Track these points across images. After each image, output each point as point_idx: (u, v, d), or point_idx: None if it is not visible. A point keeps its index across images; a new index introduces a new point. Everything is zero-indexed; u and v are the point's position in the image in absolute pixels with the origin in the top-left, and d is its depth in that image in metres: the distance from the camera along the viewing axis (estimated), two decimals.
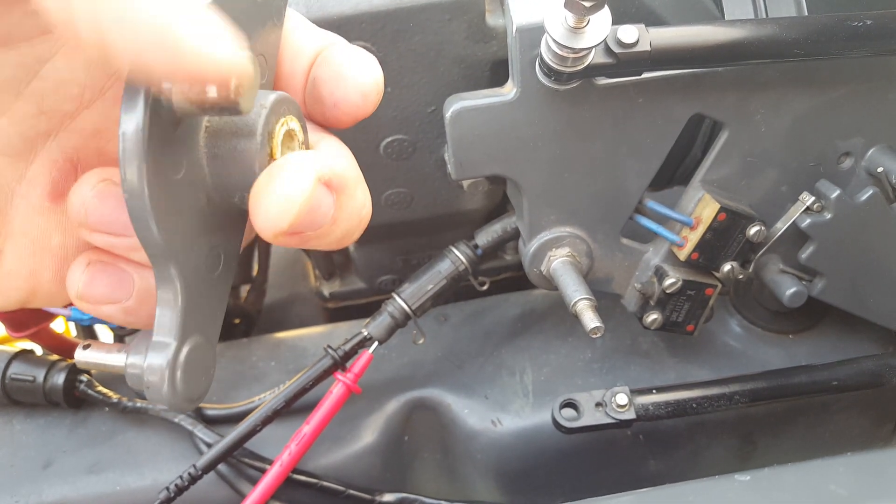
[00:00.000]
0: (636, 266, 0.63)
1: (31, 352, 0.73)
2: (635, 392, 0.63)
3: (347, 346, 0.65)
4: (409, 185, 0.69)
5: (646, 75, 0.53)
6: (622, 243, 0.62)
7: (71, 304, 0.32)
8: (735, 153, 0.59)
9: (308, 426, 0.62)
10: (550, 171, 0.57)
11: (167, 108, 0.26)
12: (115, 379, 0.73)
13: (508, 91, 0.53)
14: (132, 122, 0.25)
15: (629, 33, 0.49)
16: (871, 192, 0.58)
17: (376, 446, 0.70)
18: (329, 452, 0.69)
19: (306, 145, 0.32)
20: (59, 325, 0.90)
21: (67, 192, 0.30)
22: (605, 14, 0.46)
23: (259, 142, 0.28)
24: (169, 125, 0.26)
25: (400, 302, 0.65)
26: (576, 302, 0.55)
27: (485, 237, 0.67)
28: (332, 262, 0.87)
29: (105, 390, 0.70)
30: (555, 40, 0.46)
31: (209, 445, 0.65)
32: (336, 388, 0.63)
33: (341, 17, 0.56)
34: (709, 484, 0.48)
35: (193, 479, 0.62)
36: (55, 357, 0.72)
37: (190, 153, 0.28)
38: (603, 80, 0.53)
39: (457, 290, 0.69)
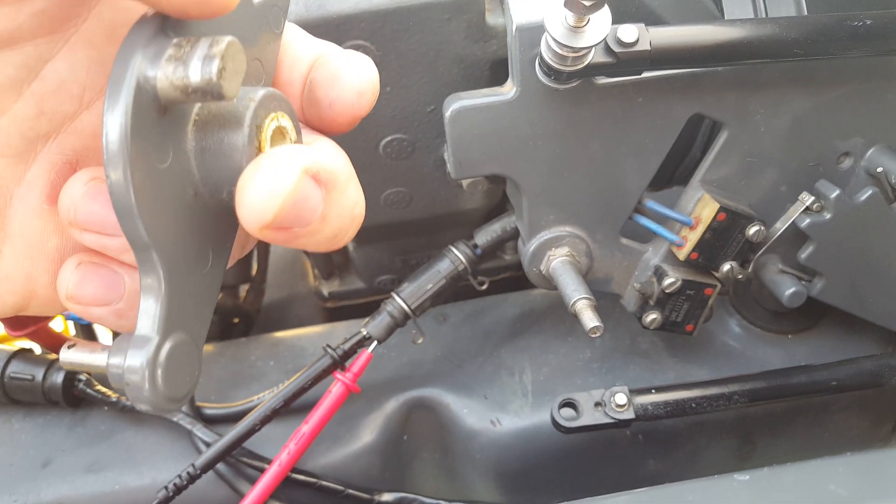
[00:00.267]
0: (635, 266, 0.63)
1: (30, 351, 0.73)
2: (634, 392, 0.63)
3: (346, 346, 0.65)
4: (409, 184, 0.69)
5: (645, 75, 0.53)
6: (621, 243, 0.62)
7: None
8: (734, 153, 0.59)
9: (307, 425, 0.62)
10: (550, 171, 0.57)
11: (152, 95, 0.26)
12: None
13: (508, 90, 0.53)
14: (117, 105, 0.25)
15: (629, 32, 0.49)
16: (870, 192, 0.58)
17: (375, 446, 0.70)
18: (328, 452, 0.69)
19: (298, 143, 0.32)
20: (57, 324, 0.90)
21: None
22: (604, 13, 0.46)
23: (246, 134, 0.28)
24: (154, 111, 0.26)
25: (399, 301, 0.65)
26: (575, 301, 0.55)
27: (484, 237, 0.67)
28: (331, 262, 0.87)
29: (104, 389, 0.70)
30: (555, 39, 0.46)
31: (208, 445, 0.65)
32: (335, 388, 0.63)
33: (341, 16, 0.56)
34: (708, 483, 0.48)
35: (192, 479, 0.62)
36: (54, 356, 0.72)
37: (177, 144, 0.28)
38: (603, 80, 0.53)
39: (456, 290, 0.69)
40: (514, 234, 0.67)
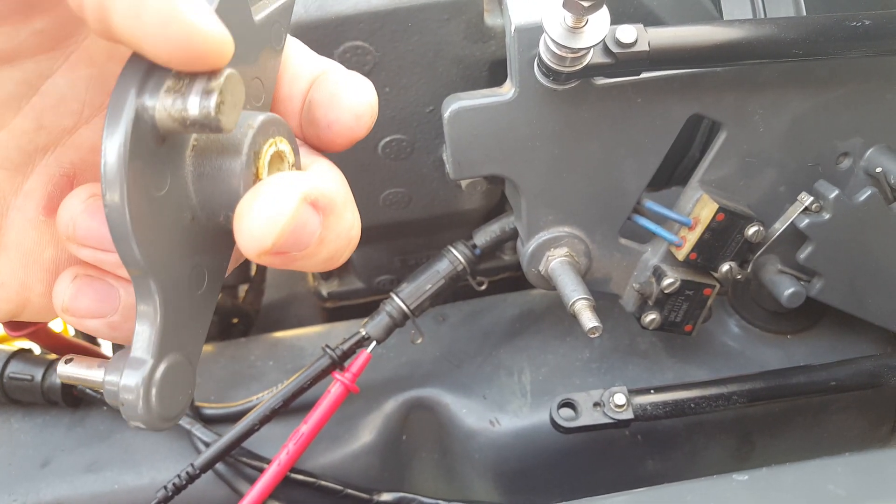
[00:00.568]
0: (634, 266, 0.64)
1: (30, 351, 0.73)
2: (633, 392, 0.63)
3: (346, 346, 0.65)
4: (408, 184, 0.69)
5: (644, 75, 0.53)
6: (620, 243, 0.62)
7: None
8: (733, 153, 0.59)
9: (306, 425, 0.62)
10: (549, 171, 0.57)
11: (150, 125, 0.26)
12: None
13: (507, 91, 0.53)
14: (115, 136, 0.25)
15: (628, 33, 0.49)
16: (869, 192, 0.58)
17: (374, 446, 0.70)
18: (327, 452, 0.69)
19: (297, 167, 0.32)
20: (57, 325, 0.90)
21: None
22: (603, 14, 0.46)
23: (244, 161, 0.28)
24: (153, 141, 0.26)
25: (398, 302, 0.65)
26: (574, 302, 0.55)
27: (483, 237, 0.67)
28: None
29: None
30: (553, 40, 0.46)
31: (207, 444, 0.65)
32: (334, 388, 0.63)
33: (339, 17, 0.56)
34: (707, 484, 0.48)
35: (191, 478, 0.62)
36: (53, 356, 0.72)
37: (175, 170, 0.28)
38: (601, 80, 0.53)
39: (455, 290, 0.69)
40: (513, 235, 0.67)
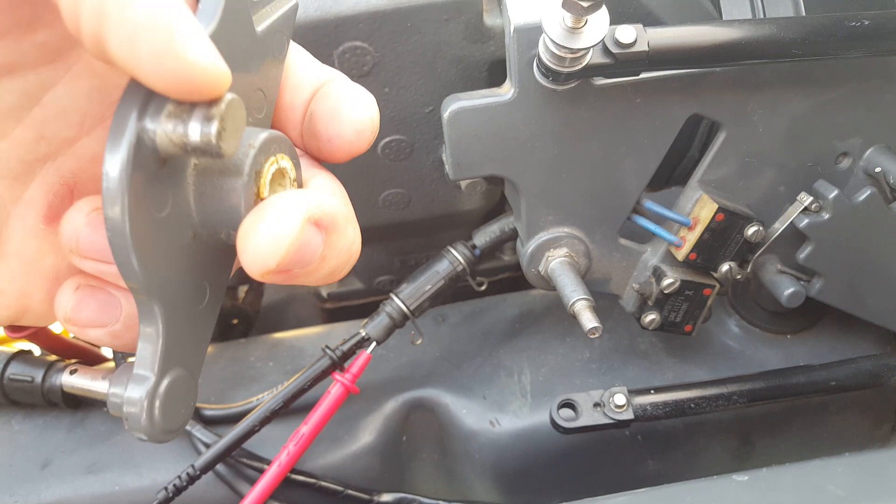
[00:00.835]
0: (634, 266, 0.64)
1: (30, 352, 0.73)
2: (633, 392, 0.63)
3: (345, 347, 0.65)
4: (407, 185, 0.69)
5: (644, 75, 0.53)
6: (620, 244, 0.62)
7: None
8: (733, 153, 0.59)
9: (306, 426, 0.62)
10: (548, 172, 0.57)
11: (152, 149, 0.26)
12: None
13: (506, 91, 0.53)
14: (116, 160, 0.25)
15: (627, 33, 0.49)
16: (868, 192, 0.58)
17: (374, 446, 0.70)
18: (327, 452, 0.69)
19: (299, 182, 0.32)
20: (57, 326, 0.90)
21: (62, 216, 0.31)
22: (602, 14, 0.46)
23: (245, 181, 0.28)
24: (154, 164, 0.26)
25: (398, 302, 0.65)
26: (574, 302, 0.55)
27: (483, 237, 0.67)
28: None
29: None
30: (552, 40, 0.46)
31: (207, 446, 0.65)
32: (334, 389, 0.63)
33: (339, 18, 0.56)
34: (707, 484, 0.48)
35: (192, 480, 0.62)
36: (53, 357, 0.72)
37: (177, 190, 0.28)
38: (601, 81, 0.53)
39: (455, 291, 0.69)
40: (513, 235, 0.67)
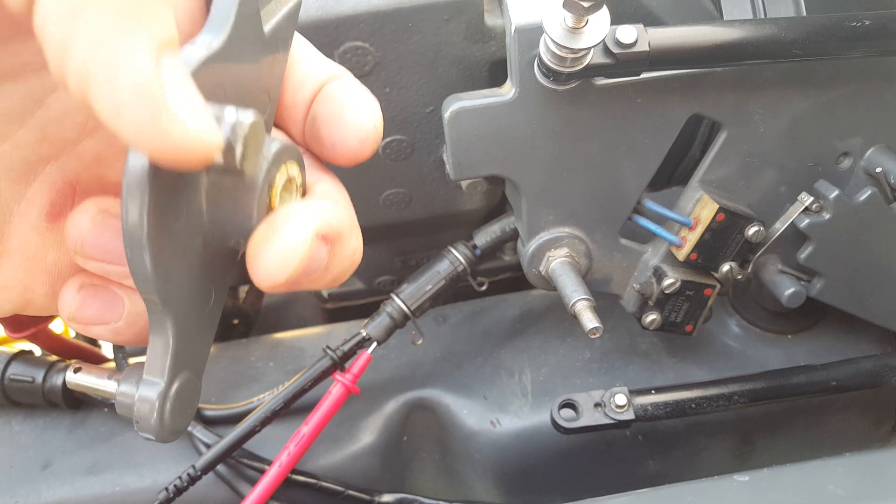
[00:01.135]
0: (635, 266, 0.64)
1: (30, 352, 0.73)
2: (634, 392, 0.63)
3: (346, 347, 0.65)
4: (408, 185, 0.69)
5: (644, 75, 0.53)
6: (621, 244, 0.62)
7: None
8: (734, 153, 0.59)
9: (307, 427, 0.62)
10: (549, 172, 0.57)
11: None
12: None
13: (507, 91, 0.53)
14: (136, 181, 0.25)
15: (628, 33, 0.49)
16: (869, 192, 0.58)
17: (375, 447, 0.70)
18: (328, 453, 0.69)
19: (303, 188, 0.32)
20: (57, 326, 0.90)
21: (65, 213, 0.31)
22: (603, 14, 0.46)
23: (259, 194, 0.29)
24: (173, 177, 0.26)
25: (399, 302, 0.65)
26: (574, 302, 0.55)
27: (483, 238, 0.67)
28: None
29: None
30: (553, 40, 0.46)
31: (208, 446, 0.65)
32: (335, 389, 0.63)
33: (339, 18, 0.56)
34: (707, 484, 0.48)
35: (192, 480, 0.62)
36: (54, 358, 0.72)
37: (190, 201, 0.28)
38: (601, 81, 0.53)
39: (455, 291, 0.69)
40: (514, 235, 0.67)
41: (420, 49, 0.59)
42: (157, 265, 0.26)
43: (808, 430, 0.72)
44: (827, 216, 0.59)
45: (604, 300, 0.64)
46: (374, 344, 0.65)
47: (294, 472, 0.65)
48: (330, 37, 0.56)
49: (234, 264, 0.33)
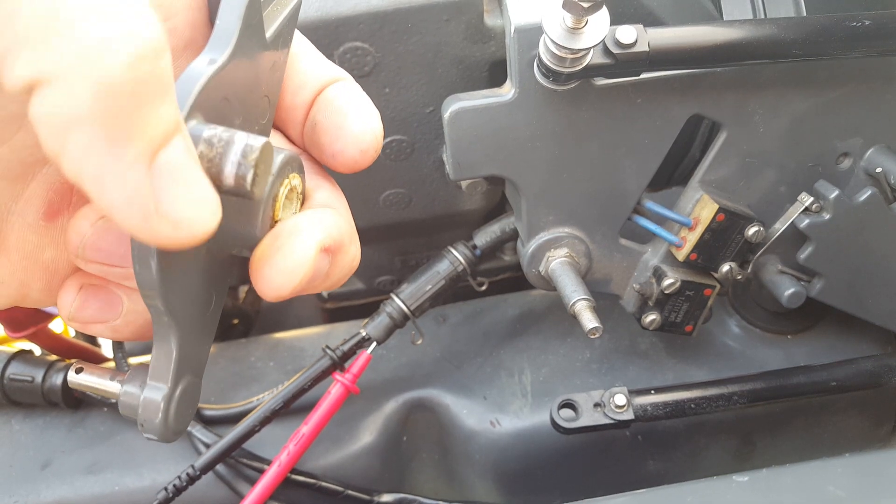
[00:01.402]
0: (635, 267, 0.63)
1: (30, 352, 0.73)
2: (634, 392, 0.63)
3: (346, 347, 0.65)
4: (408, 185, 0.69)
5: (644, 76, 0.53)
6: (621, 244, 0.62)
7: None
8: (733, 154, 0.59)
9: (306, 426, 0.62)
10: (549, 172, 0.57)
11: None
12: None
13: (507, 91, 0.53)
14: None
15: (627, 34, 0.49)
16: (869, 192, 0.58)
17: (375, 446, 0.70)
18: (327, 453, 0.69)
19: (303, 194, 0.32)
20: (57, 326, 0.90)
21: (62, 212, 0.31)
22: (603, 14, 0.46)
23: (263, 207, 0.29)
24: None
25: (398, 302, 0.65)
26: (574, 302, 0.55)
27: (483, 238, 0.67)
28: None
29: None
30: (553, 41, 0.46)
31: (207, 446, 0.65)
32: (334, 389, 0.63)
33: (339, 18, 0.56)
34: (707, 485, 0.48)
35: (192, 480, 0.62)
36: (54, 357, 0.72)
37: None
38: (601, 81, 0.53)
39: (455, 291, 0.69)
40: (514, 235, 0.67)
41: (420, 49, 0.59)
42: (163, 277, 0.27)
43: (807, 430, 0.72)
44: (827, 216, 0.59)
45: (604, 300, 0.64)
46: (374, 344, 0.65)
47: (293, 471, 0.65)
48: (330, 37, 0.56)
49: (234, 268, 0.33)
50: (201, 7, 0.30)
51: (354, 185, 0.66)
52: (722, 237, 0.59)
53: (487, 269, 0.85)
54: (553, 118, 0.54)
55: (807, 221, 0.59)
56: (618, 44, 0.49)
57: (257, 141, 0.26)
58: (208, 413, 0.69)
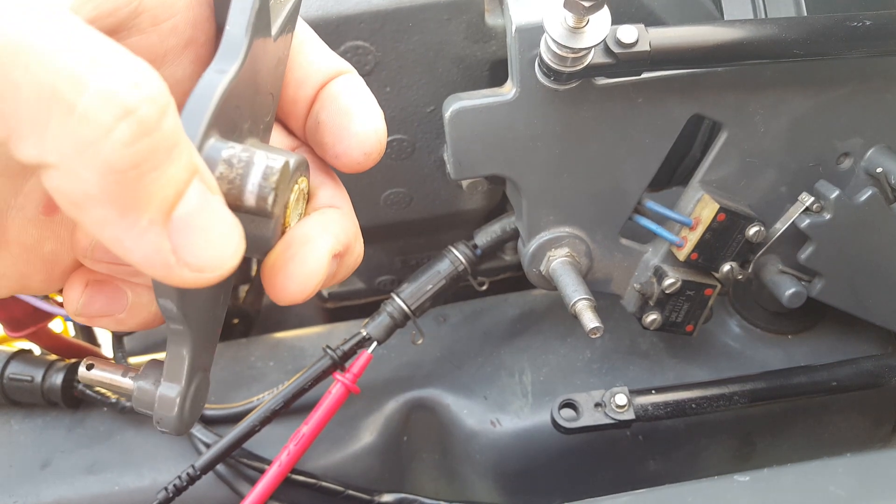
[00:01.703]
0: (635, 266, 0.63)
1: (30, 352, 0.73)
2: (634, 392, 0.63)
3: (346, 347, 0.65)
4: (409, 184, 0.69)
5: (645, 75, 0.53)
6: (621, 243, 0.62)
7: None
8: (734, 153, 0.59)
9: (307, 426, 0.62)
10: (549, 171, 0.57)
11: None
12: None
13: (508, 91, 0.53)
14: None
15: (629, 33, 0.49)
16: (870, 192, 0.58)
17: (375, 446, 0.70)
18: (328, 453, 0.69)
19: (308, 194, 0.33)
20: (57, 325, 0.90)
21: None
22: (604, 14, 0.46)
23: (275, 219, 0.30)
24: None
25: (399, 302, 0.65)
26: (575, 302, 0.55)
27: (484, 237, 0.67)
28: None
29: (103, 390, 0.70)
30: (554, 40, 0.46)
31: (208, 446, 0.65)
32: (335, 389, 0.63)
33: (340, 17, 0.56)
34: (708, 484, 0.48)
35: (192, 480, 0.62)
36: (53, 357, 0.72)
37: None
38: (602, 81, 0.53)
39: (456, 291, 0.69)
40: (514, 235, 0.67)
41: (421, 48, 0.59)
42: (182, 300, 0.27)
43: (808, 430, 0.72)
44: (827, 216, 0.59)
45: (604, 300, 0.64)
46: (375, 343, 0.65)
47: (294, 471, 0.65)
48: (330, 36, 0.56)
49: (240, 270, 0.34)
50: (202, 3, 0.30)
51: (355, 185, 0.66)
52: (723, 237, 0.59)
53: (488, 268, 0.85)
54: (554, 117, 0.54)
55: (807, 221, 0.59)
56: (619, 43, 0.49)
57: (276, 161, 0.26)
58: (208, 413, 0.69)
